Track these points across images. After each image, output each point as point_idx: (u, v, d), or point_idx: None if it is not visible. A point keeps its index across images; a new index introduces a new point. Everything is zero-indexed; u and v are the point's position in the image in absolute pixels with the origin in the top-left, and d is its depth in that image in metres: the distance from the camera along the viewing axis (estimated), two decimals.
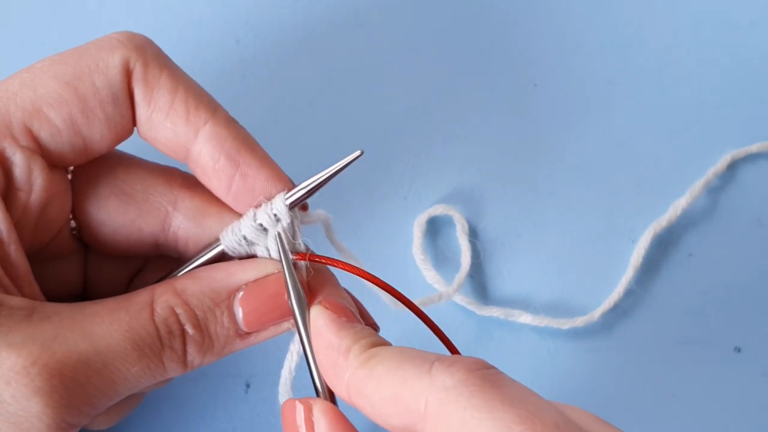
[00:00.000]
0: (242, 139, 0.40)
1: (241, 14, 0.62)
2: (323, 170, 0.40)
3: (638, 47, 0.64)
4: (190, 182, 0.43)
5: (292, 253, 0.41)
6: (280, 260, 0.40)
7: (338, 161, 0.40)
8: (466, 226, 0.58)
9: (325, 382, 0.39)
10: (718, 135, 0.62)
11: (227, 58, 0.61)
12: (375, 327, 0.45)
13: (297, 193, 0.40)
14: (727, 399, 0.56)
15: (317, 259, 0.41)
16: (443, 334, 0.41)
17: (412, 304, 0.41)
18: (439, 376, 0.34)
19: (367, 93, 0.61)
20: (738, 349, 0.57)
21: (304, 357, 0.40)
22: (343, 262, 0.41)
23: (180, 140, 0.40)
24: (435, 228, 0.59)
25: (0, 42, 0.61)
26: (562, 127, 0.61)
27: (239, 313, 0.40)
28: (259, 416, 0.54)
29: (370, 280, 0.41)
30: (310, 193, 0.41)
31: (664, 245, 0.59)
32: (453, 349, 0.41)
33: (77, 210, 0.42)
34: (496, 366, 0.35)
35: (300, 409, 0.37)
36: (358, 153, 0.40)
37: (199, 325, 0.39)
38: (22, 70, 0.40)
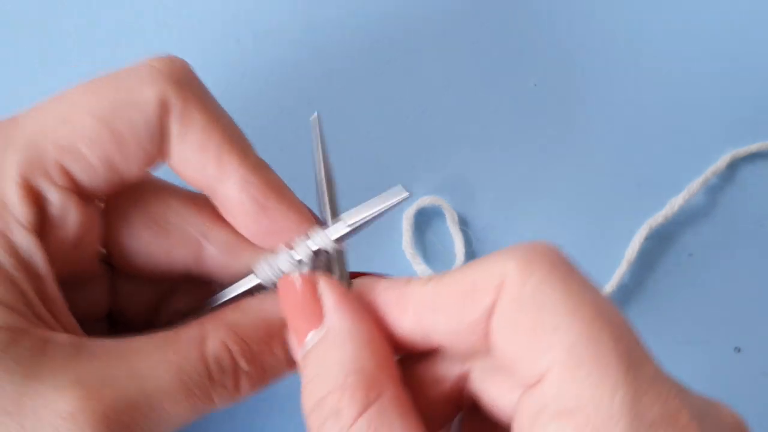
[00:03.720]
0: (270, 183, 0.40)
1: (241, 14, 0.62)
2: (367, 209, 0.40)
3: (638, 47, 0.64)
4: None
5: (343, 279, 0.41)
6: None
7: (384, 201, 0.40)
8: (456, 216, 0.58)
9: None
10: (718, 135, 0.62)
11: (227, 58, 0.61)
12: None
13: (341, 230, 0.40)
14: (727, 399, 0.56)
15: (363, 277, 0.41)
16: None
17: None
18: (520, 249, 0.34)
19: (367, 93, 0.61)
20: (738, 349, 0.57)
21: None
22: (383, 276, 0.41)
23: (208, 181, 0.40)
24: (427, 222, 0.59)
25: None
26: (562, 127, 0.61)
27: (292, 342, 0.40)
28: (259, 416, 0.54)
29: None
30: (352, 232, 0.40)
31: (663, 244, 0.59)
32: None
33: (108, 239, 0.41)
34: None
35: (299, 282, 0.38)
36: (405, 195, 0.40)
37: (254, 360, 0.39)
38: (55, 99, 0.39)
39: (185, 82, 0.39)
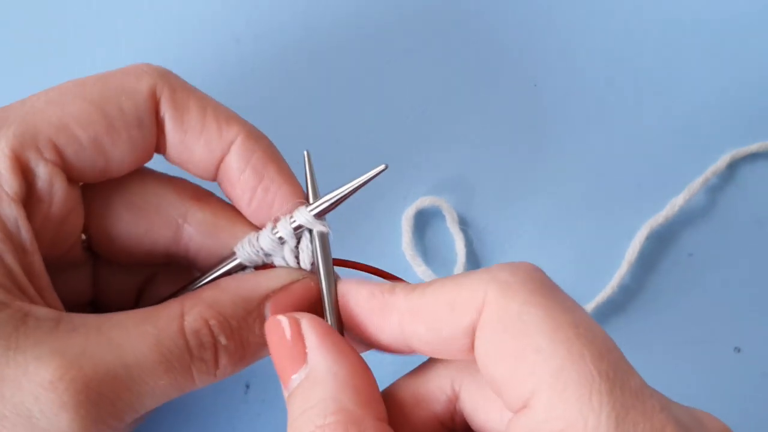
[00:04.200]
0: (270, 153, 0.42)
1: (241, 14, 0.62)
2: (345, 184, 0.40)
3: (638, 47, 0.64)
4: (200, 194, 0.43)
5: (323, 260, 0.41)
6: (316, 262, 0.41)
7: (361, 175, 0.40)
8: (456, 216, 0.58)
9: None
10: (718, 135, 0.62)
11: (227, 58, 0.61)
12: None
13: (321, 205, 0.41)
14: (727, 399, 0.56)
15: (347, 265, 0.42)
16: None
17: None
18: (501, 272, 0.35)
19: (367, 94, 0.61)
20: (738, 349, 0.57)
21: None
22: (369, 266, 0.42)
23: (215, 156, 0.41)
24: (427, 223, 0.59)
25: None
26: (562, 127, 0.61)
27: None
28: (259, 416, 0.54)
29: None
30: (333, 206, 0.41)
31: (663, 244, 0.59)
32: None
33: (89, 223, 0.42)
34: None
35: (286, 323, 0.38)
36: (382, 167, 0.40)
37: (233, 335, 0.39)
38: (47, 89, 0.40)
39: (169, 75, 0.41)
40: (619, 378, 0.32)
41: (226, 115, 0.41)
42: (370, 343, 0.39)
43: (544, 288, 0.35)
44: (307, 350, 0.37)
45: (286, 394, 0.38)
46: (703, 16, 0.64)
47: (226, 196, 0.43)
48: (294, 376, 0.37)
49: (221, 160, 0.41)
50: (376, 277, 0.44)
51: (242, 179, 0.41)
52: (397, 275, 0.44)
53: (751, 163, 0.61)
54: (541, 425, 0.32)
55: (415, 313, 0.37)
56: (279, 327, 0.38)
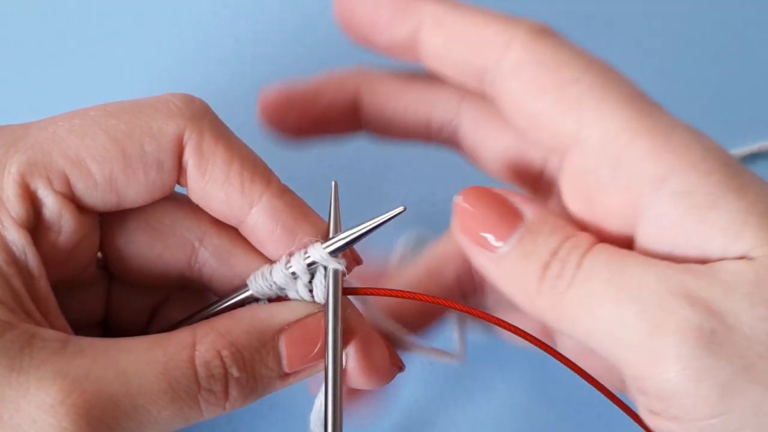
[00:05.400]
0: (298, 208, 0.41)
1: (241, 14, 0.62)
2: (363, 223, 0.40)
3: (638, 46, 0.64)
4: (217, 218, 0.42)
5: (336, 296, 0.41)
6: (326, 301, 0.40)
7: (380, 215, 0.40)
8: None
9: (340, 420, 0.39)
10: (718, 135, 0.61)
11: (227, 58, 0.61)
12: (401, 367, 0.45)
13: (337, 243, 0.40)
14: None
15: (366, 292, 0.42)
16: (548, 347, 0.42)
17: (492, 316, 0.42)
18: (525, 20, 0.40)
19: None
20: None
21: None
22: (397, 291, 0.42)
23: (234, 211, 0.40)
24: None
25: None
26: None
27: (283, 353, 0.40)
28: (260, 417, 0.54)
29: (428, 301, 0.42)
30: (348, 244, 0.40)
31: None
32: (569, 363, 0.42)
33: (104, 242, 0.41)
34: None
35: (494, 195, 0.40)
36: (400, 209, 0.40)
37: (245, 367, 0.39)
38: (73, 113, 0.39)
39: (202, 118, 0.40)
40: (645, 99, 0.39)
41: (251, 170, 0.40)
42: (370, 40, 0.43)
43: (563, 36, 0.39)
44: (520, 210, 0.38)
45: (489, 264, 0.39)
46: (704, 16, 0.65)
47: (259, 250, 0.42)
48: (503, 243, 0.38)
49: (241, 216, 0.40)
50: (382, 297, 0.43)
51: (274, 238, 0.40)
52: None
53: (751, 163, 0.61)
54: (598, 152, 0.36)
55: (438, 24, 0.39)
56: (485, 195, 0.39)
